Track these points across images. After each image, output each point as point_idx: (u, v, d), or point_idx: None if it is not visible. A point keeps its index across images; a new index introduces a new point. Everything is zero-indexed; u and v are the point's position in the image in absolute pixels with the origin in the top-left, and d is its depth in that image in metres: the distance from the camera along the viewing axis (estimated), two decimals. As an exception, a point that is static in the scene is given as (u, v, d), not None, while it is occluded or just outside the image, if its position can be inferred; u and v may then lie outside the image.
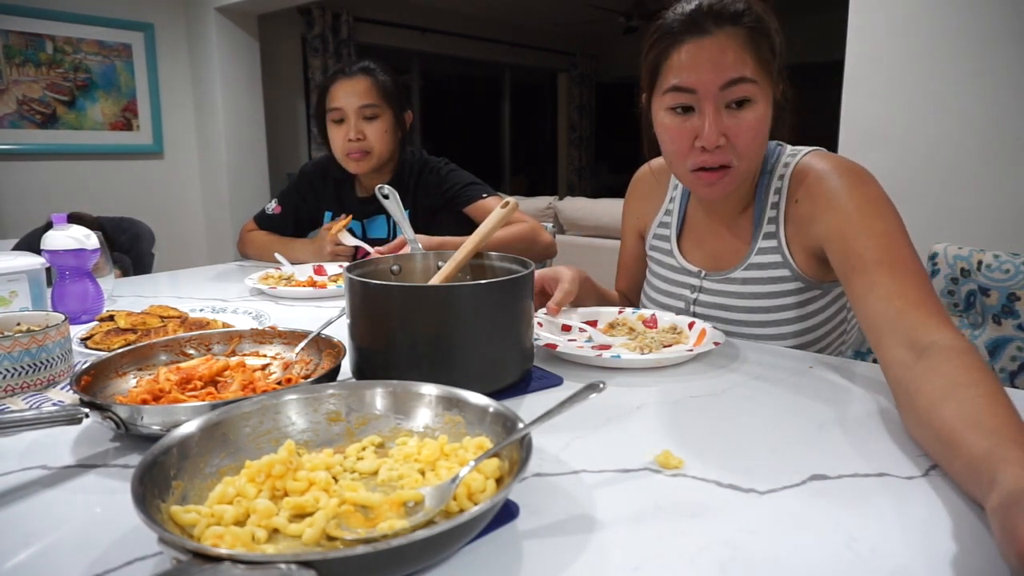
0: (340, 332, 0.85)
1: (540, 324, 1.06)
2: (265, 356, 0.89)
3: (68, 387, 0.84)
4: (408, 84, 1.74)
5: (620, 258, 1.35)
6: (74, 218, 1.78)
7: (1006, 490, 0.49)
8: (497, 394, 0.76)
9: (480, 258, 0.95)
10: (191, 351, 0.88)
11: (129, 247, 2.53)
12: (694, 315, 1.12)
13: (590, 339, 1.03)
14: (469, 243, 0.93)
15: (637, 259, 1.30)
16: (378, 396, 0.66)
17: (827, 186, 0.96)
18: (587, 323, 1.09)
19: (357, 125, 1.65)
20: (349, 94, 1.65)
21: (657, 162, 1.19)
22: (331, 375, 0.77)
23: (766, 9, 0.94)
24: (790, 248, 1.02)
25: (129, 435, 0.67)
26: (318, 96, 1.73)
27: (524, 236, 1.55)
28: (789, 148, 1.06)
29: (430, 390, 0.65)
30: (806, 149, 1.05)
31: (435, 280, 0.92)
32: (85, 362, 0.78)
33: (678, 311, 1.15)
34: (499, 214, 0.95)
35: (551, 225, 1.94)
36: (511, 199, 0.97)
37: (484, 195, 1.69)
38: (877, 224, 0.89)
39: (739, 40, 0.91)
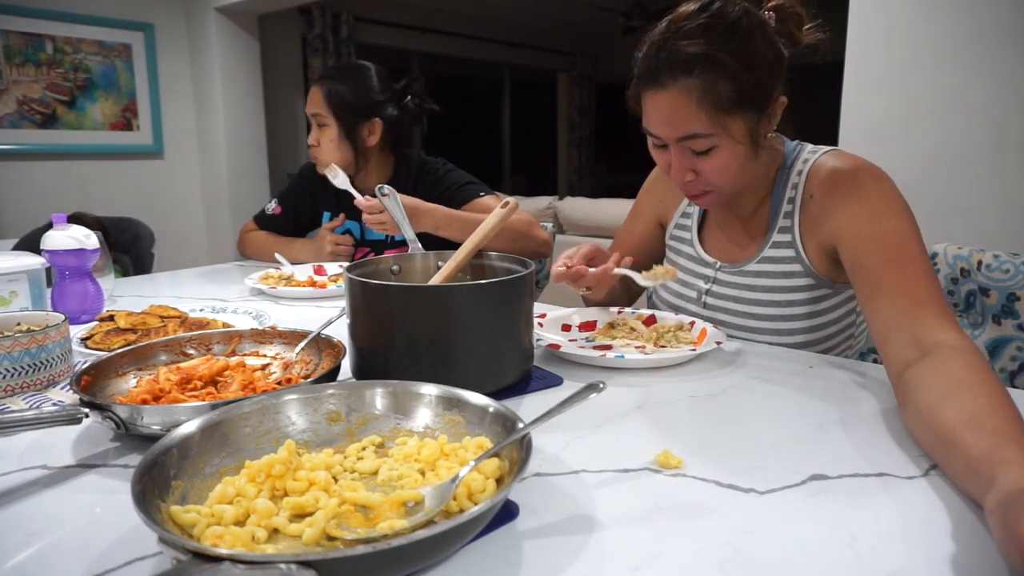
0: (340, 332, 0.85)
1: (540, 324, 1.06)
2: (265, 356, 0.89)
3: (68, 387, 0.84)
4: (400, 90, 1.69)
5: (621, 238, 1.31)
6: (74, 218, 1.79)
7: (1005, 490, 0.49)
8: (497, 394, 0.76)
9: (480, 258, 0.95)
10: (191, 351, 0.88)
11: (129, 247, 2.53)
12: (705, 306, 1.12)
13: (588, 340, 1.03)
14: (469, 243, 0.93)
15: (644, 242, 1.27)
16: (378, 396, 0.66)
17: (842, 183, 0.96)
18: (586, 323, 1.10)
19: (314, 131, 1.72)
20: (309, 100, 1.72)
21: None
22: (331, 375, 0.77)
23: (741, 33, 0.90)
24: (804, 244, 1.02)
25: (129, 435, 0.67)
26: None
27: (517, 227, 1.55)
28: (809, 146, 1.07)
29: (430, 390, 0.65)
30: (825, 148, 1.05)
31: (435, 280, 0.92)
32: (85, 362, 0.78)
33: (690, 301, 1.15)
34: (499, 214, 0.95)
35: (551, 225, 1.94)
36: (511, 199, 0.97)
37: (481, 194, 1.69)
38: (890, 224, 0.89)
39: (693, 94, 0.90)
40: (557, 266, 1.03)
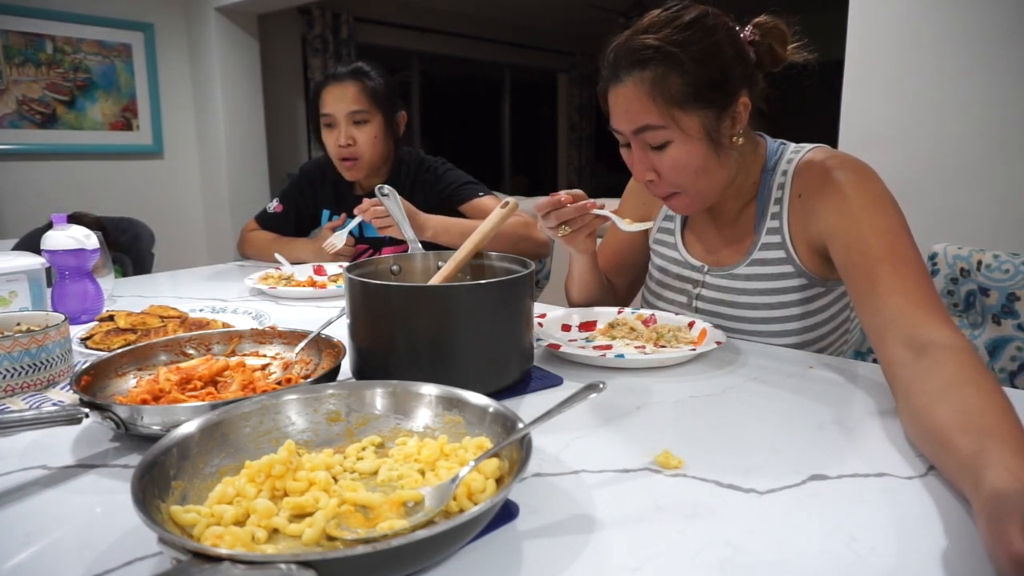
0: (340, 332, 0.85)
1: (540, 324, 1.06)
2: (265, 356, 0.89)
3: (68, 387, 0.84)
4: (406, 82, 1.75)
5: (607, 242, 1.30)
6: (74, 218, 1.79)
7: (991, 491, 0.49)
8: (497, 394, 0.76)
9: (480, 258, 0.95)
10: (191, 351, 0.88)
11: (129, 247, 2.53)
12: (696, 311, 1.12)
13: (588, 340, 1.03)
14: (469, 243, 0.93)
15: (629, 245, 1.27)
16: (378, 396, 0.66)
17: (831, 181, 0.95)
18: (586, 323, 1.10)
19: (347, 131, 1.66)
20: (339, 99, 1.65)
21: None
22: (331, 375, 0.77)
23: (698, 30, 0.92)
24: (794, 244, 1.02)
25: (129, 435, 0.67)
26: (311, 100, 1.74)
27: (515, 229, 1.55)
28: (792, 145, 1.07)
29: (430, 390, 0.65)
30: (809, 146, 1.05)
31: (435, 280, 0.92)
32: (85, 362, 0.78)
33: (680, 306, 1.15)
34: (499, 214, 0.95)
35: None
36: (511, 199, 0.97)
37: (480, 194, 1.70)
38: (880, 221, 0.89)
39: (644, 87, 0.93)
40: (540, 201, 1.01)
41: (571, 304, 1.23)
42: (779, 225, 1.03)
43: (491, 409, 0.61)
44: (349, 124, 1.66)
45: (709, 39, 0.93)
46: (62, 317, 0.89)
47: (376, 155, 1.70)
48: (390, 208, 1.20)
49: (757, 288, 1.05)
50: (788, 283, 1.03)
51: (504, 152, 7.76)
